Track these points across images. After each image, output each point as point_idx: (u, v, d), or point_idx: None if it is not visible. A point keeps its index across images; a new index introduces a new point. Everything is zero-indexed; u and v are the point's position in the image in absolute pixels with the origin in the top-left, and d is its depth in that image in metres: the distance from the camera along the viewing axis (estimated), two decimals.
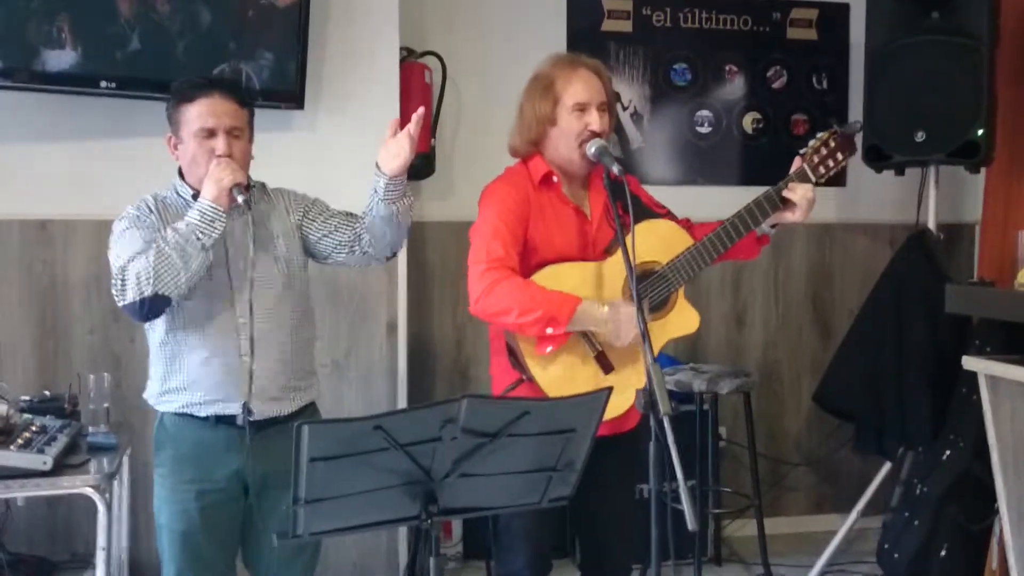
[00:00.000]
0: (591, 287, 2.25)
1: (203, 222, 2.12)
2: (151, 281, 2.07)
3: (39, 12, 3.04)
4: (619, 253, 2.25)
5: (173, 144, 2.25)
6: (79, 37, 3.09)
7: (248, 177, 2.25)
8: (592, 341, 2.25)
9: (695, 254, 2.29)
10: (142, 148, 3.32)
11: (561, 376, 2.23)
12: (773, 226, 2.39)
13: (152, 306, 2.11)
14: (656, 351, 2.23)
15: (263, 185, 2.37)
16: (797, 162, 2.38)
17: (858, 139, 3.92)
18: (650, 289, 2.27)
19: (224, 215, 2.14)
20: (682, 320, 2.35)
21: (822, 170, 2.37)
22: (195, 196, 2.20)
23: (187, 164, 2.24)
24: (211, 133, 2.19)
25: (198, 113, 2.19)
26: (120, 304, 2.13)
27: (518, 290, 2.17)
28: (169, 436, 2.26)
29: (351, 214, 2.40)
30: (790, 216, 2.34)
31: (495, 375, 2.39)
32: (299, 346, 2.32)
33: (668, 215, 2.43)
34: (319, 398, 2.44)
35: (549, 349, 2.21)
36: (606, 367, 2.25)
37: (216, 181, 2.14)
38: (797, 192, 2.32)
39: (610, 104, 2.33)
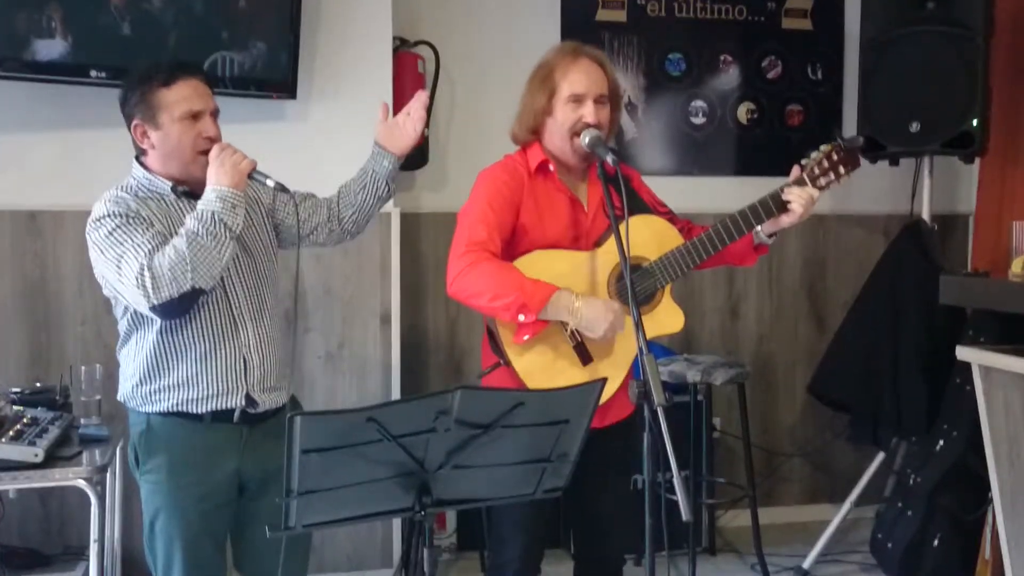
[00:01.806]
0: (575, 276, 2.23)
1: (225, 209, 2.05)
2: (188, 273, 2.00)
3: (29, 1, 3.01)
4: (607, 244, 2.25)
5: (141, 132, 2.14)
6: (70, 26, 3.07)
7: None
8: (574, 333, 2.24)
9: (684, 253, 2.26)
10: None
11: (538, 364, 2.23)
12: (772, 236, 2.33)
13: (189, 301, 2.04)
14: (635, 351, 2.22)
15: None
16: (796, 171, 2.32)
17: (852, 130, 3.97)
18: (635, 283, 2.22)
19: (244, 202, 2.11)
20: (666, 318, 2.30)
21: (822, 182, 2.30)
22: (174, 188, 2.16)
23: (168, 151, 2.13)
24: (197, 116, 2.13)
25: (183, 96, 2.11)
26: (151, 304, 2.00)
27: (493, 274, 2.16)
28: (161, 441, 2.16)
29: (313, 195, 2.42)
30: (787, 219, 2.28)
31: (483, 357, 2.40)
32: (282, 336, 2.31)
33: (669, 214, 2.40)
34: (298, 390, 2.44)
35: (526, 338, 2.20)
36: (585, 359, 2.24)
37: (233, 166, 2.09)
38: (795, 192, 2.26)
39: (613, 97, 2.30)
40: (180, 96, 2.11)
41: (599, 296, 2.24)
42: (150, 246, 2.03)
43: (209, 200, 2.07)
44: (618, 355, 2.25)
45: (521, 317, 2.14)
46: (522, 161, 2.33)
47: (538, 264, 2.23)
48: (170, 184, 2.17)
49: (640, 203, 2.30)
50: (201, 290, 2.04)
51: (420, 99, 2.35)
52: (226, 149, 2.12)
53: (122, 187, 2.17)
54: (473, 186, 2.32)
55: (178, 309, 2.05)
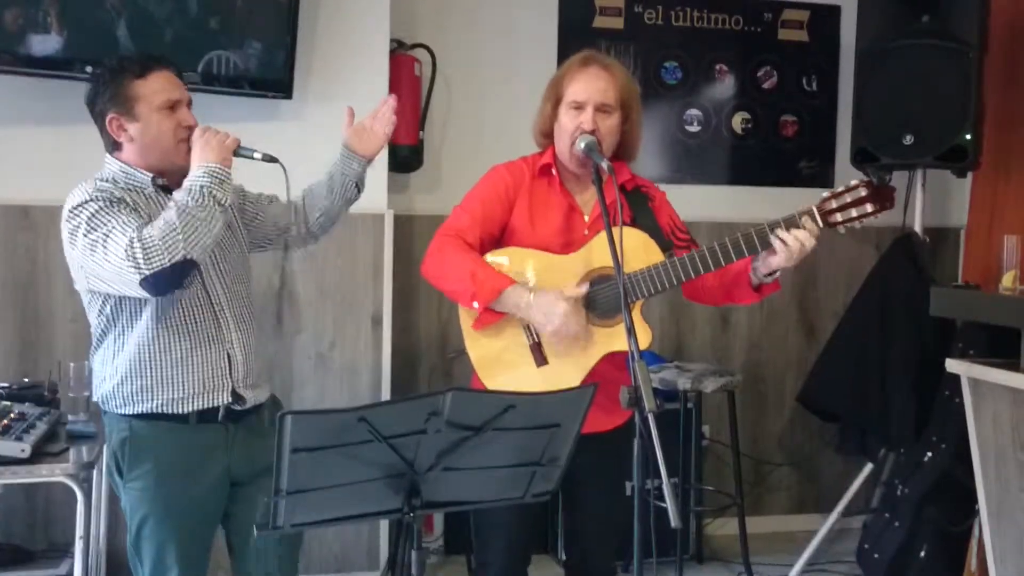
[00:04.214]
0: (543, 278, 2.23)
1: (214, 184, 2.04)
2: (180, 242, 1.96)
3: None
4: (584, 251, 2.25)
5: (118, 125, 2.11)
6: (65, 21, 3.06)
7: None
8: (531, 331, 2.24)
9: (659, 272, 2.17)
10: None
11: (490, 357, 2.25)
12: (770, 275, 2.18)
13: (180, 272, 2.00)
14: (595, 360, 2.21)
15: None
16: (809, 204, 2.15)
17: (846, 141, 3.99)
18: (602, 294, 2.22)
19: (231, 178, 2.09)
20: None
21: (839, 217, 2.11)
22: (154, 179, 2.14)
23: (148, 141, 2.12)
24: (175, 106, 2.13)
25: (159, 87, 2.10)
26: (142, 275, 1.94)
27: (455, 260, 2.20)
28: (146, 446, 2.11)
29: (276, 197, 2.40)
30: (774, 260, 2.13)
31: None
32: (259, 331, 2.30)
33: (687, 241, 2.32)
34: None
35: (488, 329, 2.22)
36: (539, 360, 2.23)
37: (219, 144, 2.08)
38: (786, 236, 2.10)
39: (624, 107, 2.27)
40: (157, 86, 2.11)
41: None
42: (138, 223, 2.01)
43: (197, 175, 2.05)
44: (575, 361, 2.21)
45: (475, 304, 2.18)
46: (530, 163, 2.35)
47: (510, 260, 2.25)
48: (150, 176, 2.14)
49: (648, 221, 2.27)
50: (193, 262, 2.01)
51: (388, 103, 2.36)
52: (209, 130, 2.12)
53: (99, 178, 2.14)
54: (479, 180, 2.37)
55: (170, 281, 2.00)
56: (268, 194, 2.39)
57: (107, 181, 2.13)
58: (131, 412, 2.12)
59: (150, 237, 1.96)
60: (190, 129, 2.13)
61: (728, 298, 2.33)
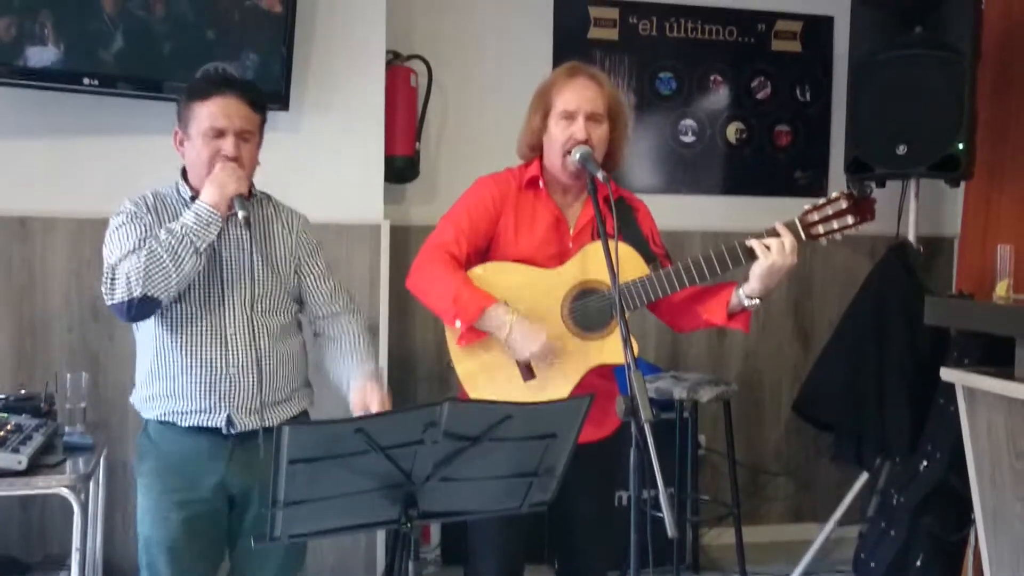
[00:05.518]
0: (529, 292, 2.22)
1: (198, 225, 2.07)
2: (140, 282, 2.03)
3: (22, 8, 3.02)
4: (569, 264, 2.25)
5: (179, 140, 2.20)
6: (62, 34, 3.07)
7: (252, 185, 2.24)
8: None
9: (643, 286, 2.18)
10: (124, 146, 3.31)
11: (477, 372, 2.24)
12: (753, 298, 2.18)
13: (140, 307, 2.07)
14: (583, 373, 2.21)
15: (268, 196, 2.34)
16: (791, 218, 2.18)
17: (840, 151, 4.02)
18: (588, 307, 2.22)
19: (220, 221, 2.11)
20: (617, 348, 2.09)
21: (820, 229, 2.17)
22: (194, 198, 2.16)
23: (191, 163, 2.19)
24: (220, 133, 2.13)
25: (210, 112, 2.13)
26: (108, 303, 2.09)
27: (441, 276, 2.20)
28: (152, 445, 2.21)
29: (335, 302, 2.37)
30: (756, 267, 2.13)
31: None
32: (287, 359, 2.27)
33: (664, 256, 2.32)
34: (312, 407, 2.39)
35: (475, 344, 2.21)
36: (526, 375, 2.22)
37: (220, 186, 2.10)
38: (769, 241, 2.12)
39: (612, 116, 2.28)
40: (209, 112, 2.13)
41: (548, 315, 2.21)
42: (132, 248, 2.09)
43: (187, 214, 2.11)
44: (563, 375, 2.21)
45: (457, 323, 2.17)
46: (517, 174, 2.35)
47: (494, 274, 2.24)
48: (189, 195, 2.20)
49: (634, 232, 2.27)
50: (155, 299, 2.07)
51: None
52: (227, 168, 2.13)
53: (150, 189, 2.24)
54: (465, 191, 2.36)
55: (128, 313, 2.09)
56: (328, 294, 2.36)
57: (152, 194, 2.23)
58: (147, 416, 2.24)
59: (120, 270, 2.06)
60: (228, 160, 2.14)
61: (696, 315, 2.28)
